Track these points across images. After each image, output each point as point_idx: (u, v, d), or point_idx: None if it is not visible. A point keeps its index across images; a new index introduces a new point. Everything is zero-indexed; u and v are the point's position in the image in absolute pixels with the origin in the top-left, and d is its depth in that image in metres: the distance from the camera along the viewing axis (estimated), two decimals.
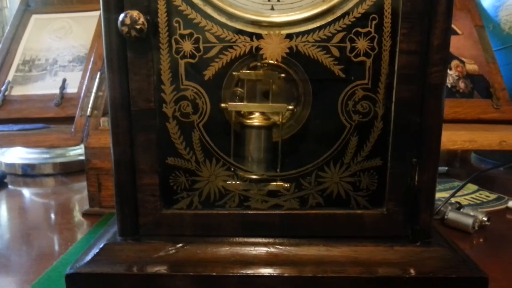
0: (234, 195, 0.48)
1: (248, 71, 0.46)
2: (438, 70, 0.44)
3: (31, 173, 1.01)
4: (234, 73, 0.46)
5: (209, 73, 0.46)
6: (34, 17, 1.00)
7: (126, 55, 0.45)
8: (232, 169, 0.48)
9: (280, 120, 0.47)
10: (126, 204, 0.47)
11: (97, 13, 0.96)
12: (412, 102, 0.45)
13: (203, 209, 0.48)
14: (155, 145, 0.47)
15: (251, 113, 0.47)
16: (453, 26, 0.92)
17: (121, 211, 0.47)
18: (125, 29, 0.42)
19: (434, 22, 0.43)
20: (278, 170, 0.47)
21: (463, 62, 0.88)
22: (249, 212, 0.48)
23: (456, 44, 0.90)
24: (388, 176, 0.47)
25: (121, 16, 0.42)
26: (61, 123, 0.84)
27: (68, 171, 1.03)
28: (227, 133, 0.47)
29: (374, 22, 0.44)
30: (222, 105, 0.47)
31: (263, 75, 0.46)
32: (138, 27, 0.42)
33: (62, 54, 0.93)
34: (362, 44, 0.45)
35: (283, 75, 0.46)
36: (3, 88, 0.89)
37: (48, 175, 1.01)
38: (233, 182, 0.48)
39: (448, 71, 0.87)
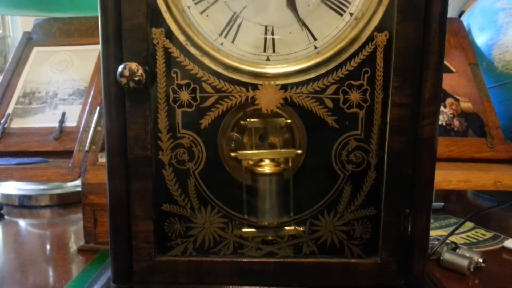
0: (228, 242, 0.48)
1: (255, 120, 0.47)
2: (429, 122, 0.45)
3: (28, 204, 1.02)
4: (241, 122, 0.47)
5: (205, 122, 0.47)
6: (35, 49, 1.02)
7: (125, 104, 0.46)
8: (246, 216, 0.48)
9: (290, 165, 0.48)
10: (121, 250, 0.48)
11: (97, 46, 0.97)
12: (404, 154, 0.46)
13: (197, 256, 0.48)
14: (151, 192, 0.47)
15: (260, 160, 0.48)
16: (447, 64, 0.94)
17: (115, 258, 0.47)
18: (123, 80, 0.43)
19: (425, 76, 0.44)
20: (291, 214, 0.48)
21: (457, 100, 0.90)
22: (244, 259, 0.48)
23: (450, 82, 0.91)
24: (382, 226, 0.47)
25: (120, 67, 0.43)
26: (59, 156, 0.84)
27: (65, 202, 1.03)
28: (222, 180, 0.48)
29: (366, 75, 0.45)
30: (232, 154, 0.47)
31: (270, 122, 0.47)
32: (136, 78, 0.43)
33: (62, 87, 0.95)
34: (355, 96, 0.46)
35: (289, 121, 0.47)
36: (2, 121, 0.90)
37: (45, 207, 1.01)
38: (247, 231, 0.48)
39: (443, 109, 0.88)
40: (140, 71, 0.43)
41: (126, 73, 0.43)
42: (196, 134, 0.47)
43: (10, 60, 1.02)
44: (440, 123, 0.87)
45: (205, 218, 0.48)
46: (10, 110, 0.93)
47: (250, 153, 0.47)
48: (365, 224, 0.48)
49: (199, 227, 0.48)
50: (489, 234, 0.85)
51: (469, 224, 0.90)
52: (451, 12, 1.17)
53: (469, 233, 0.86)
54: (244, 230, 0.48)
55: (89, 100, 0.88)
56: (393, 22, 0.44)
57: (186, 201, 0.48)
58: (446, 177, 0.75)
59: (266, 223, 0.47)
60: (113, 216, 0.47)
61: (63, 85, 0.95)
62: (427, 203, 0.46)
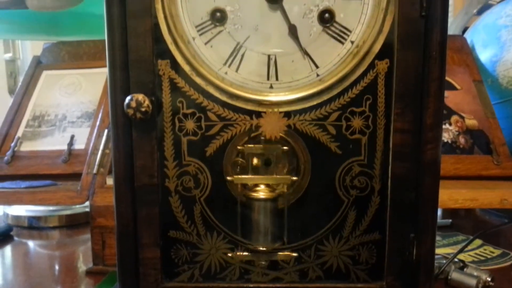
0: (235, 268, 0.49)
1: (251, 145, 0.48)
2: (432, 147, 0.45)
3: (37, 226, 1.03)
4: (238, 147, 0.48)
5: (210, 149, 0.48)
6: (45, 73, 1.04)
7: (132, 133, 0.47)
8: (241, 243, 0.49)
9: (285, 191, 0.48)
10: (128, 276, 0.48)
11: (105, 69, 0.99)
12: (408, 178, 0.46)
13: (204, 282, 0.49)
14: (158, 218, 0.48)
15: (256, 185, 0.49)
16: (452, 81, 0.95)
17: (123, 284, 0.48)
18: (130, 111, 0.44)
19: (427, 103, 0.44)
20: (284, 239, 0.48)
21: (462, 117, 0.90)
22: (250, 285, 0.48)
23: (455, 99, 0.92)
24: (387, 250, 0.47)
25: (127, 99, 0.45)
26: (68, 179, 0.86)
27: (74, 223, 1.04)
28: (228, 206, 0.48)
29: (368, 102, 0.46)
30: (228, 178, 0.48)
31: (266, 148, 0.48)
32: (143, 109, 0.44)
33: (71, 110, 0.96)
34: (357, 122, 0.47)
35: (285, 147, 0.48)
36: (12, 144, 0.91)
37: (54, 228, 1.02)
38: (237, 254, 0.48)
39: (448, 126, 0.89)
40: (147, 102, 0.44)
41: (133, 104, 0.44)
42: (202, 161, 0.48)
43: (20, 83, 1.04)
44: (445, 140, 0.87)
45: (211, 244, 0.49)
46: (20, 133, 0.95)
47: (245, 178, 0.48)
48: (370, 248, 0.48)
49: (206, 253, 0.49)
50: (497, 252, 0.85)
51: (478, 241, 0.89)
52: (455, 29, 1.18)
53: (477, 251, 0.86)
54: (238, 253, 0.48)
55: (97, 123, 0.90)
56: (394, 50, 0.45)
57: (192, 228, 0.48)
58: (452, 196, 0.75)
59: (262, 248, 0.48)
60: (120, 243, 0.48)
61: (71, 108, 0.97)
62: (431, 227, 0.46)
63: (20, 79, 1.48)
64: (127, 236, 0.48)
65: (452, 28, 1.19)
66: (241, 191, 0.48)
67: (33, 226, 1.02)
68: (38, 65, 1.05)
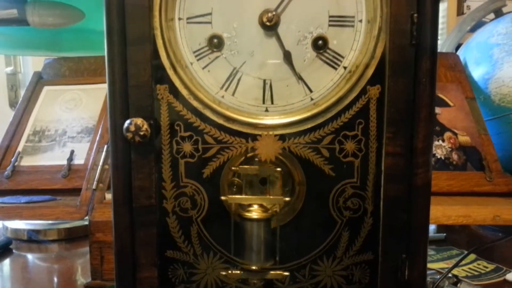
0: (231, 287, 0.50)
1: (246, 167, 0.49)
2: (423, 171, 0.47)
3: (36, 239, 1.03)
4: (233, 168, 0.49)
5: (207, 171, 0.49)
6: (46, 88, 1.05)
7: (131, 155, 0.48)
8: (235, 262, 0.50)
9: (278, 211, 0.49)
10: None
11: (106, 85, 1.01)
12: (400, 201, 0.47)
13: None
14: (155, 239, 0.49)
15: (250, 205, 0.50)
16: (445, 98, 0.97)
17: None
18: (129, 135, 0.46)
19: (417, 128, 0.46)
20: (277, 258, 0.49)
21: (455, 134, 0.91)
22: None
23: (448, 116, 0.93)
24: (380, 270, 0.48)
25: (126, 123, 0.46)
26: (68, 194, 0.87)
27: (73, 236, 1.04)
28: (224, 227, 0.50)
29: (360, 126, 0.48)
30: (222, 197, 0.49)
31: (261, 170, 0.49)
32: (141, 133, 0.46)
33: (71, 125, 0.98)
34: (350, 146, 0.48)
35: (279, 169, 0.49)
36: (13, 159, 0.93)
37: (53, 241, 1.03)
38: (231, 272, 0.50)
39: (442, 143, 0.90)
40: (145, 126, 0.46)
41: (132, 128, 0.46)
42: (199, 182, 0.49)
43: (21, 98, 1.06)
44: (439, 157, 0.89)
45: (207, 264, 0.50)
46: (20, 148, 0.96)
47: (238, 198, 0.49)
48: (363, 268, 0.49)
49: (202, 273, 0.50)
50: (491, 267, 0.86)
51: (471, 256, 0.90)
52: (448, 46, 1.20)
53: (471, 265, 0.87)
54: (233, 272, 0.49)
55: (97, 138, 0.91)
56: (385, 76, 0.46)
57: (189, 248, 0.50)
58: (445, 212, 0.76)
59: (254, 267, 0.49)
60: (118, 262, 0.49)
61: (72, 123, 0.98)
62: (423, 248, 0.48)
63: (21, 92, 1.50)
64: (125, 255, 0.49)
65: (446, 45, 1.21)
66: (235, 210, 0.49)
67: (32, 239, 1.03)
68: (39, 81, 1.06)
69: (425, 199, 0.47)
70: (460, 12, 1.62)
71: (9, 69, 1.50)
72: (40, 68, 1.10)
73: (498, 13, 1.21)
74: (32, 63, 1.50)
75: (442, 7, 1.60)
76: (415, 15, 0.45)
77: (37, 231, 1.04)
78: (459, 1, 1.63)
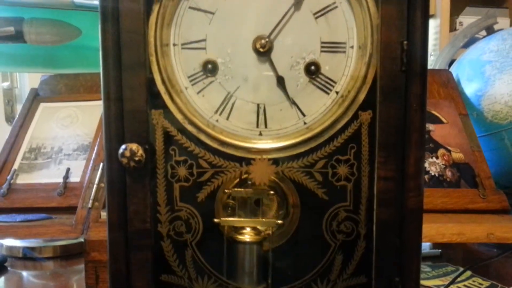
0: None
1: (239, 189, 0.49)
2: (414, 195, 0.47)
3: (31, 256, 1.03)
4: (226, 190, 0.50)
5: (201, 195, 0.49)
6: (42, 105, 1.06)
7: (126, 180, 0.48)
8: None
9: (271, 233, 0.50)
10: None
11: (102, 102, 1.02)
12: (392, 224, 0.48)
13: None
14: (150, 263, 0.49)
15: (243, 228, 0.50)
16: (438, 114, 0.98)
17: None
18: (124, 160, 0.46)
19: (408, 153, 0.47)
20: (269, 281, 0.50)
21: (449, 151, 0.92)
22: None
23: (441, 133, 0.94)
24: None
25: (121, 148, 0.46)
26: (63, 212, 0.87)
27: (68, 253, 1.04)
28: (218, 250, 0.50)
29: (353, 151, 0.48)
30: (215, 220, 0.50)
31: (254, 193, 0.49)
32: (137, 159, 0.46)
33: (67, 143, 0.98)
34: (343, 170, 0.49)
35: (272, 192, 0.50)
36: (9, 177, 0.93)
37: (48, 258, 1.03)
38: None
39: (435, 159, 0.91)
40: (140, 151, 0.46)
41: (127, 153, 0.46)
42: (193, 207, 0.49)
43: (17, 114, 1.06)
44: (432, 174, 0.89)
45: None
46: (16, 165, 0.96)
47: (231, 220, 0.50)
48: None
49: None
50: (486, 283, 0.86)
51: (467, 273, 0.90)
52: (441, 63, 1.21)
53: (466, 282, 0.87)
54: None
55: (93, 156, 0.92)
56: (376, 101, 0.47)
57: (183, 272, 0.50)
58: (439, 230, 0.77)
59: None
60: (113, 286, 0.49)
61: (67, 140, 0.99)
62: (415, 270, 0.48)
63: (17, 107, 1.50)
64: (120, 279, 0.49)
65: (439, 61, 1.22)
66: (228, 233, 0.50)
67: (28, 257, 1.03)
68: (35, 97, 1.07)
69: (417, 223, 0.47)
70: (452, 28, 1.64)
71: (6, 84, 1.51)
72: (37, 83, 1.11)
73: (490, 30, 1.23)
74: (28, 78, 1.51)
75: (435, 23, 1.63)
76: (405, 42, 0.46)
77: (32, 249, 1.03)
78: (451, 17, 1.66)
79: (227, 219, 0.50)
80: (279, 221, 0.50)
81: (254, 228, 0.50)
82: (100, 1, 0.45)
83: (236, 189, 0.49)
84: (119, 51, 0.47)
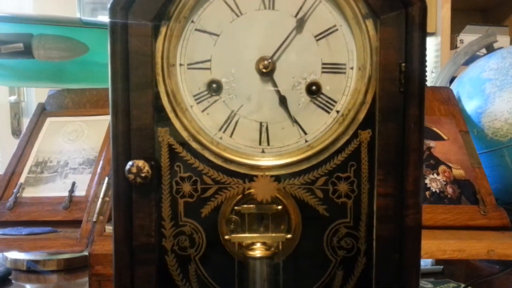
0: None
1: (248, 206, 0.50)
2: (413, 212, 0.48)
3: (35, 269, 1.04)
4: (236, 207, 0.51)
5: (205, 211, 0.51)
6: (49, 119, 1.08)
7: (131, 195, 0.50)
8: None
9: (280, 248, 0.51)
10: None
11: (108, 117, 1.03)
12: (391, 240, 0.49)
13: None
14: (154, 277, 0.50)
15: (252, 243, 0.51)
16: (439, 131, 0.99)
17: None
18: (131, 176, 0.48)
19: (407, 171, 0.48)
20: None
21: (450, 168, 0.93)
22: None
23: (442, 150, 0.95)
24: None
25: (128, 164, 0.48)
26: (68, 226, 0.88)
27: (72, 267, 1.05)
28: (221, 265, 0.51)
29: (353, 168, 0.50)
30: (226, 237, 0.51)
31: (261, 208, 0.51)
32: (143, 175, 0.48)
33: (73, 157, 1.00)
34: (343, 187, 0.50)
35: (280, 207, 0.51)
36: (15, 190, 0.94)
37: (52, 271, 1.04)
38: None
39: (436, 176, 0.92)
40: (147, 168, 0.48)
41: (134, 170, 0.48)
42: (197, 222, 0.51)
43: (24, 130, 1.08)
44: (433, 190, 0.90)
45: None
46: (22, 179, 0.97)
47: (242, 237, 0.51)
48: None
49: None
50: None
51: None
52: (442, 80, 1.23)
53: None
54: None
55: (98, 170, 0.93)
56: (375, 121, 0.49)
57: (187, 286, 0.51)
58: (440, 247, 0.77)
59: None
60: None
61: (73, 154, 1.00)
62: (415, 286, 0.49)
63: (24, 120, 1.53)
64: None
65: (440, 78, 1.24)
66: (238, 250, 0.50)
67: (32, 270, 1.04)
68: (42, 112, 1.09)
69: (416, 239, 0.48)
70: (453, 46, 1.66)
71: (13, 98, 1.53)
72: (43, 97, 1.13)
73: (490, 49, 1.24)
74: (35, 92, 1.53)
75: (436, 41, 1.65)
76: (403, 64, 0.47)
77: (36, 262, 1.04)
78: (452, 35, 1.68)
79: (237, 235, 0.50)
80: (288, 235, 0.51)
81: (263, 244, 0.51)
82: (110, 23, 0.47)
83: (244, 205, 0.50)
84: (127, 71, 0.49)
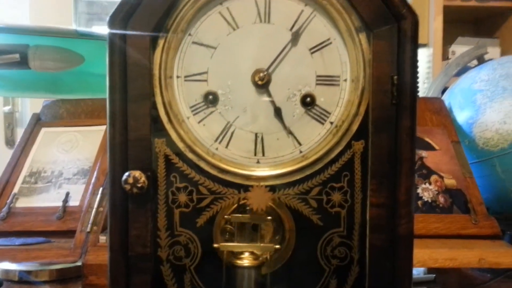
0: None
1: (238, 215, 0.51)
2: (405, 222, 0.49)
3: (27, 280, 1.03)
4: (225, 216, 0.51)
5: (201, 221, 0.51)
6: (43, 130, 1.08)
7: (128, 205, 0.50)
8: None
9: (268, 258, 0.51)
10: None
11: (103, 127, 1.04)
12: (384, 249, 0.50)
13: None
14: (149, 286, 0.50)
15: (241, 253, 0.51)
16: (431, 142, 1.00)
17: None
18: (127, 187, 0.48)
19: (399, 181, 0.49)
20: None
21: (441, 177, 0.94)
22: None
23: (434, 159, 0.97)
24: None
25: (125, 175, 0.48)
26: (62, 236, 0.88)
27: (65, 277, 1.04)
28: (216, 275, 0.51)
29: (346, 178, 0.50)
30: (215, 245, 0.51)
31: (252, 218, 0.51)
32: (139, 185, 0.48)
33: (67, 167, 1.00)
34: (336, 197, 0.51)
35: (269, 217, 0.51)
36: (8, 201, 0.94)
37: (44, 282, 1.03)
38: None
39: (428, 185, 0.93)
40: (143, 178, 0.48)
41: (130, 180, 0.48)
42: (192, 232, 0.51)
43: (19, 140, 1.08)
44: (426, 199, 0.91)
45: None
46: (16, 189, 0.97)
47: (230, 245, 0.51)
48: None
49: None
50: None
51: None
52: (434, 90, 1.25)
53: None
54: None
55: (93, 181, 0.93)
56: (368, 132, 0.50)
57: None
58: (432, 256, 0.78)
59: None
60: None
61: (68, 164, 1.00)
62: None
63: (17, 131, 1.53)
64: None
65: (432, 89, 1.26)
66: (227, 258, 0.51)
67: (24, 280, 1.03)
68: (37, 122, 1.09)
69: (408, 249, 0.49)
70: (445, 57, 1.69)
71: (7, 108, 1.53)
72: (38, 107, 1.13)
73: (480, 60, 1.27)
74: (29, 102, 1.53)
75: (428, 52, 1.68)
76: (395, 77, 0.49)
77: (28, 272, 1.03)
78: (444, 47, 1.71)
79: (226, 244, 0.51)
80: (277, 246, 0.51)
81: (252, 253, 0.51)
82: (109, 35, 0.48)
83: (234, 215, 0.51)
84: (125, 82, 0.49)
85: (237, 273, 0.51)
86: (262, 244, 0.51)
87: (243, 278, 0.51)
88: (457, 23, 1.96)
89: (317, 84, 0.51)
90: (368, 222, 0.50)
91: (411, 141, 0.49)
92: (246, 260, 0.51)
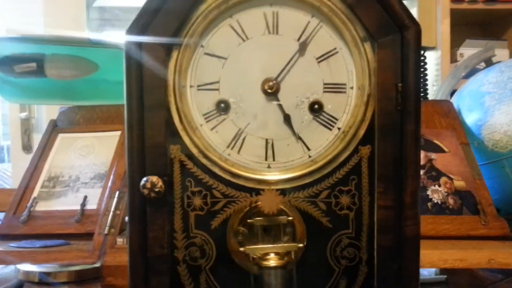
0: None
1: (258, 218, 0.53)
2: (412, 223, 0.51)
3: (47, 281, 1.06)
4: (248, 220, 0.53)
5: (215, 223, 0.54)
6: (60, 136, 1.11)
7: (146, 209, 0.53)
8: None
9: (293, 258, 0.52)
10: None
11: (118, 133, 1.07)
12: (392, 250, 0.51)
13: None
14: (167, 287, 0.53)
15: (266, 254, 0.53)
16: (440, 144, 1.01)
17: None
18: (145, 191, 0.51)
19: (405, 184, 0.51)
20: None
21: (451, 179, 0.96)
22: None
23: (443, 161, 0.98)
24: None
25: (143, 180, 0.51)
26: (80, 238, 0.91)
27: (83, 278, 1.07)
28: (231, 274, 0.54)
29: (354, 182, 0.52)
30: (241, 249, 0.53)
31: (271, 220, 0.53)
32: (156, 190, 0.51)
33: (84, 172, 1.03)
34: (345, 200, 0.53)
35: (290, 218, 0.53)
36: (29, 205, 0.97)
37: (63, 283, 1.06)
38: None
39: (438, 187, 0.94)
40: (160, 183, 0.51)
41: (148, 185, 0.51)
42: (207, 233, 0.54)
43: (37, 146, 1.12)
44: (435, 201, 0.93)
45: None
46: (36, 193, 1.01)
47: (256, 248, 0.53)
48: None
49: None
50: None
51: None
52: (443, 93, 1.26)
53: None
54: None
55: (109, 184, 0.96)
56: (375, 137, 0.52)
57: None
58: (442, 256, 0.79)
59: None
60: None
61: (85, 169, 1.03)
62: None
63: (34, 136, 1.57)
64: None
65: (441, 91, 1.27)
66: (252, 261, 0.52)
67: (43, 282, 1.06)
68: (54, 128, 1.13)
69: (415, 249, 0.51)
70: (453, 60, 1.70)
71: (24, 114, 1.58)
72: (53, 113, 1.17)
73: (488, 63, 1.27)
74: (45, 109, 1.58)
75: (436, 55, 1.68)
76: (400, 84, 0.51)
77: (48, 274, 1.07)
78: (452, 49, 1.72)
79: (252, 247, 0.52)
80: (300, 245, 0.53)
81: (276, 254, 0.53)
82: (126, 50, 0.51)
83: (254, 218, 0.53)
84: (141, 92, 0.52)
85: (266, 274, 0.52)
86: (286, 244, 0.53)
87: (270, 279, 0.52)
88: (465, 26, 1.96)
89: (324, 91, 0.54)
90: (376, 223, 0.52)
91: (415, 144, 0.50)
92: (272, 261, 0.52)
